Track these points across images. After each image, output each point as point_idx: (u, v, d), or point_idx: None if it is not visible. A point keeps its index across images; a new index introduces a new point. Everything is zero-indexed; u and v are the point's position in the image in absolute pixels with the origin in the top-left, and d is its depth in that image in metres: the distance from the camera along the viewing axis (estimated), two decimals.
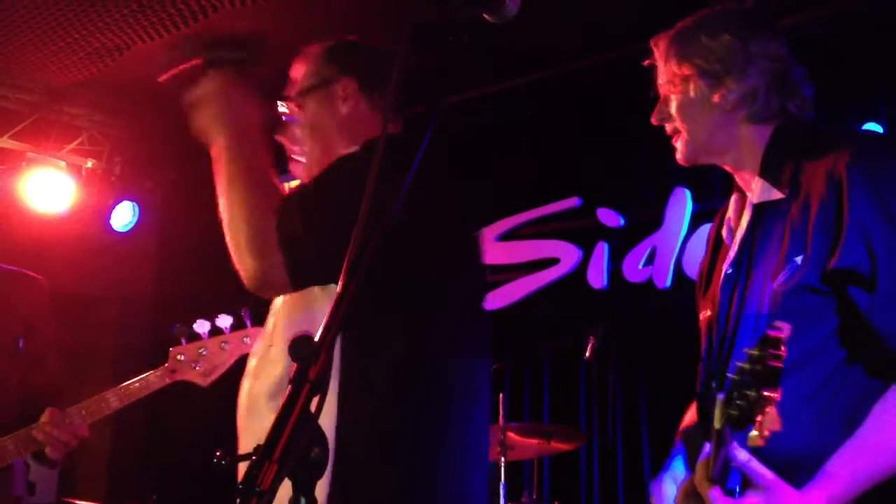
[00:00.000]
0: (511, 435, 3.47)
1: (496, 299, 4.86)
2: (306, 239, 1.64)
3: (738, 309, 1.68)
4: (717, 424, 1.39)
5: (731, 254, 1.75)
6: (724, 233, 1.81)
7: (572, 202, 4.73)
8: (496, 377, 4.08)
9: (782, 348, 1.25)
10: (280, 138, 1.96)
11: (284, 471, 0.93)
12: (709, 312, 1.79)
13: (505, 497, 3.43)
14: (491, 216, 4.96)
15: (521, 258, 4.86)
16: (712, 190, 4.23)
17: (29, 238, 5.07)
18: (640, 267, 4.46)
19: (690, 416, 1.89)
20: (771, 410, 1.24)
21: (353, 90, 1.91)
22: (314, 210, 1.67)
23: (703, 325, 1.81)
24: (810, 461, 1.48)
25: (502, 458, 3.44)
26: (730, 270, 1.73)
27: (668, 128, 1.79)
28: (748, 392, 1.27)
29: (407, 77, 1.35)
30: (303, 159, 1.95)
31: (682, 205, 4.36)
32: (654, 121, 1.80)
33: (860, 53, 3.89)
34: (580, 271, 4.63)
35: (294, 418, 0.95)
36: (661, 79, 1.79)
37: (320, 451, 0.96)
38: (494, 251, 4.93)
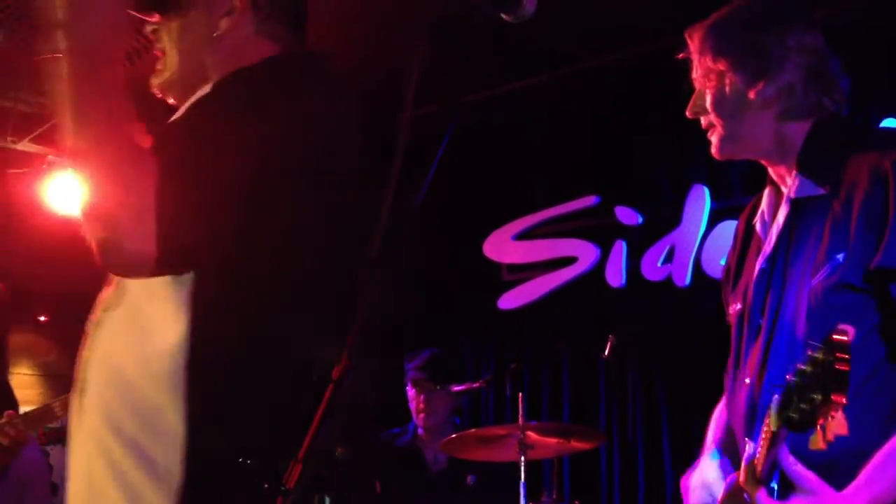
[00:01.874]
0: (530, 434, 3.46)
1: (514, 298, 4.86)
2: (192, 208, 1.29)
3: (774, 305, 1.66)
4: (773, 426, 1.37)
5: (766, 249, 1.73)
6: (758, 226, 1.79)
7: (590, 200, 4.72)
8: (515, 377, 4.08)
9: (849, 353, 1.24)
10: (149, 35, 1.56)
11: (310, 469, 0.94)
12: (739, 306, 1.76)
13: (525, 497, 3.42)
14: (508, 215, 4.96)
15: (539, 257, 4.85)
16: (731, 187, 4.22)
17: (50, 240, 5.10)
18: (658, 265, 4.45)
19: (721, 413, 1.87)
20: (838, 415, 1.22)
21: (242, 3, 1.50)
22: (201, 173, 1.31)
23: (734, 319, 1.79)
24: (851, 461, 1.47)
25: (522, 458, 3.43)
26: (764, 265, 1.71)
27: (703, 122, 1.77)
28: (812, 395, 1.25)
29: (424, 74, 1.35)
30: (164, 71, 1.55)
31: (701, 202, 4.34)
32: (688, 114, 1.79)
33: (882, 48, 3.86)
34: (598, 270, 4.63)
35: (318, 417, 0.95)
36: (696, 72, 1.77)
37: (345, 449, 0.97)
38: (512, 250, 4.94)
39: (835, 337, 1.25)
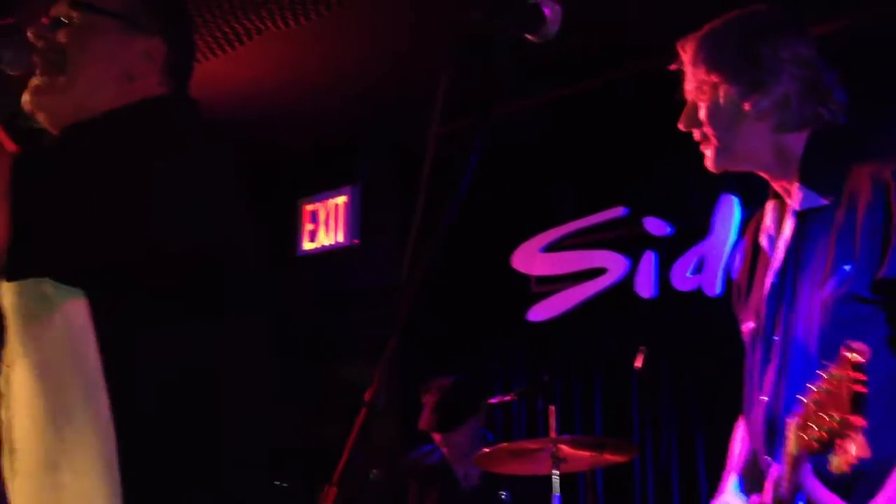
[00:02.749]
0: (563, 447, 3.45)
1: (543, 311, 4.85)
2: (47, 215, 1.30)
3: (786, 320, 1.64)
4: (792, 449, 1.36)
5: (775, 264, 1.71)
6: (764, 242, 1.78)
7: (618, 211, 4.70)
8: (546, 390, 4.07)
9: (865, 373, 1.22)
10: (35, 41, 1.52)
11: (344, 493, 0.95)
12: (753, 324, 1.75)
13: None
14: (536, 227, 4.95)
15: (568, 269, 4.84)
16: (760, 196, 4.18)
17: None
18: (688, 275, 4.42)
19: (740, 434, 1.85)
20: (858, 437, 1.21)
21: (159, 56, 1.55)
22: (69, 183, 1.33)
23: (748, 337, 1.78)
24: (871, 475, 1.45)
25: (555, 471, 3.42)
26: (775, 280, 1.70)
27: (696, 134, 1.76)
28: (828, 416, 1.24)
29: (452, 89, 1.36)
30: (46, 89, 1.52)
31: (731, 212, 4.32)
32: (681, 126, 1.78)
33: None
34: (628, 281, 4.61)
35: (352, 440, 0.96)
36: (689, 84, 1.76)
37: (379, 472, 0.97)
38: (540, 263, 4.93)
39: (849, 356, 1.23)
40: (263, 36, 4.40)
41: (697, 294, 4.36)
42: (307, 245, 5.77)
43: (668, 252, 4.50)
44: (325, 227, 5.72)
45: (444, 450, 3.97)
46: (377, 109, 5.12)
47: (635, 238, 4.60)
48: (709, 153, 1.75)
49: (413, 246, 1.15)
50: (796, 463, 1.38)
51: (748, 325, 1.77)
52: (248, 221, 1.50)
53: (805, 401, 1.29)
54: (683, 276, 4.43)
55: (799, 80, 1.67)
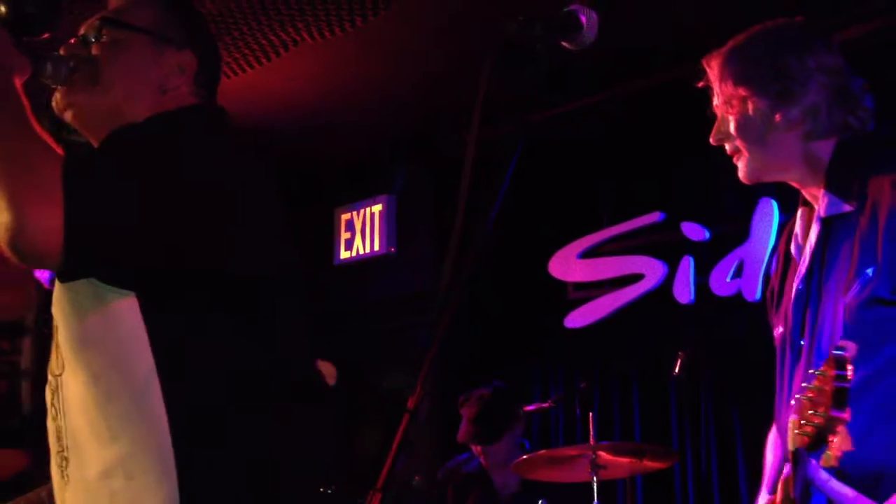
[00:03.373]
0: (602, 454, 3.44)
1: (581, 317, 4.84)
2: (102, 216, 1.32)
3: (811, 325, 1.65)
4: (790, 446, 1.38)
5: (802, 269, 1.72)
6: (793, 249, 1.79)
7: (655, 217, 4.68)
8: (585, 396, 4.06)
9: (848, 368, 1.24)
10: (69, 54, 1.55)
11: (388, 498, 0.96)
12: (781, 329, 1.76)
13: None
14: (572, 234, 4.94)
15: (605, 275, 4.82)
16: (799, 200, 4.15)
17: None
18: (727, 280, 4.39)
19: (773, 444, 1.85)
20: (842, 430, 1.23)
21: (190, 68, 1.59)
22: (121, 185, 1.34)
23: (777, 342, 1.79)
24: (892, 473, 1.45)
25: (594, 478, 3.41)
26: (801, 286, 1.71)
27: (728, 147, 1.78)
28: (818, 413, 1.26)
29: (490, 95, 1.37)
30: (81, 95, 1.55)
31: (769, 216, 4.28)
32: (712, 141, 1.80)
33: None
34: (666, 286, 4.58)
35: (395, 447, 0.97)
36: (717, 99, 1.78)
37: (421, 478, 0.98)
38: (577, 269, 4.92)
39: (835, 353, 1.25)
40: (300, 47, 4.45)
41: (737, 299, 4.32)
42: (344, 254, 5.81)
43: (706, 257, 4.47)
44: (362, 235, 5.76)
45: (482, 460, 3.97)
46: (412, 118, 5.15)
47: (672, 243, 4.58)
48: (741, 165, 1.77)
49: (454, 253, 1.15)
50: (798, 460, 1.40)
51: (778, 330, 1.78)
52: (289, 227, 1.52)
53: (800, 398, 1.31)
54: (723, 281, 4.40)
55: (827, 89, 1.68)
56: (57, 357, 1.47)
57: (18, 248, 1.30)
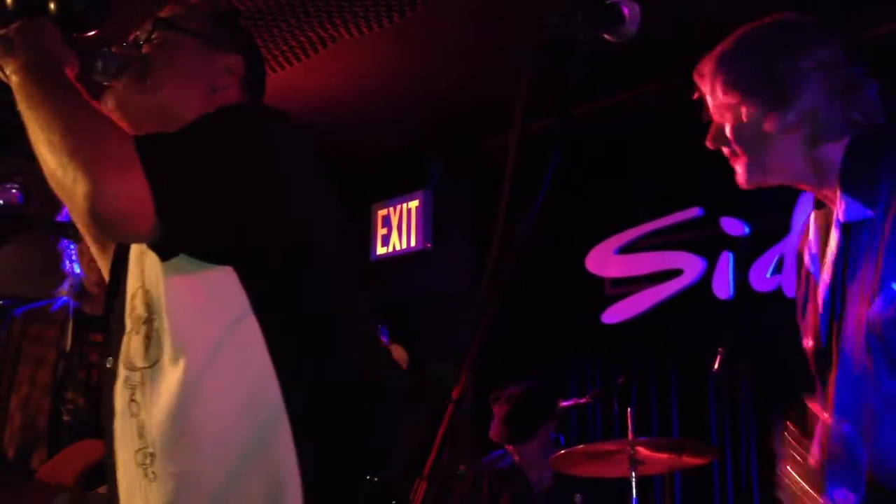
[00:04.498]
0: (641, 449, 3.43)
1: (618, 312, 4.82)
2: (188, 179, 1.30)
3: (839, 338, 1.60)
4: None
5: (826, 278, 1.66)
6: (806, 257, 1.73)
7: (694, 212, 4.65)
8: (623, 392, 4.04)
9: None
10: (120, 53, 1.59)
11: (434, 487, 0.97)
12: (812, 343, 1.71)
13: None
14: (610, 229, 4.93)
15: (643, 270, 4.80)
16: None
17: None
18: (767, 276, 4.35)
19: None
20: None
21: (239, 70, 1.63)
22: (201, 156, 1.34)
23: (810, 356, 1.73)
24: None
25: (633, 473, 3.40)
26: (826, 297, 1.64)
27: (726, 151, 1.74)
28: None
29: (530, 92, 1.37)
30: (132, 90, 1.57)
31: (811, 210, 4.23)
32: (709, 145, 1.76)
33: None
34: (704, 282, 4.55)
35: (441, 437, 0.98)
36: (711, 104, 1.74)
37: (466, 467, 0.99)
38: (615, 264, 4.90)
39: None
40: (337, 44, 4.47)
41: (777, 294, 4.28)
42: (380, 250, 5.84)
43: (746, 252, 4.44)
44: (398, 231, 5.78)
45: (516, 457, 3.97)
46: (449, 114, 5.16)
47: (711, 238, 4.55)
48: (739, 169, 1.72)
49: (496, 250, 1.16)
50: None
51: (808, 343, 1.73)
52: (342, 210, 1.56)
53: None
54: (763, 277, 4.36)
55: (825, 88, 1.61)
56: (146, 348, 1.42)
57: (101, 215, 1.26)
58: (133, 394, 1.43)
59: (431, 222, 5.69)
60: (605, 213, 4.96)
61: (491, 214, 1.24)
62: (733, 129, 1.69)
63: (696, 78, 1.76)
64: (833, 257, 1.65)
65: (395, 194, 5.81)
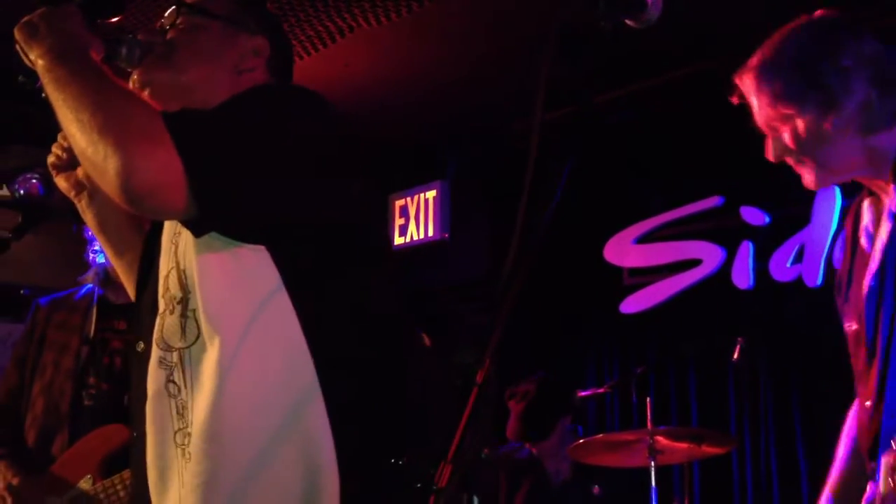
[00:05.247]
0: (660, 439, 3.42)
1: (638, 302, 4.81)
2: (219, 153, 1.31)
3: (886, 325, 1.61)
4: (882, 489, 1.35)
5: (873, 265, 1.68)
6: (863, 240, 1.74)
7: (714, 201, 4.63)
8: (642, 381, 4.04)
9: None
10: (145, 39, 1.59)
11: (459, 470, 0.97)
12: (855, 326, 1.72)
13: (656, 502, 3.38)
14: (629, 218, 4.91)
15: (662, 260, 4.79)
16: (864, 189, 4.07)
17: None
18: (788, 266, 4.32)
19: (847, 433, 1.82)
20: None
21: (265, 52, 1.63)
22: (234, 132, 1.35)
23: (851, 339, 1.74)
24: None
25: (652, 463, 3.40)
26: (873, 283, 1.66)
27: (791, 160, 1.74)
28: None
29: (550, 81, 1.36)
30: (158, 71, 1.57)
31: (831, 200, 4.20)
32: (772, 159, 1.76)
33: None
34: (724, 272, 4.53)
35: (465, 420, 0.99)
36: (760, 118, 1.74)
37: (490, 451, 1.00)
38: (633, 254, 4.89)
39: None
40: (355, 33, 4.47)
41: (797, 284, 4.26)
42: (398, 240, 5.85)
43: (766, 242, 4.41)
44: (416, 221, 5.78)
45: (534, 450, 3.97)
46: (466, 104, 5.15)
47: (731, 228, 4.53)
48: (808, 176, 1.73)
49: (517, 240, 1.16)
50: (886, 501, 1.37)
51: (851, 326, 1.74)
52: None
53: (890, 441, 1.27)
54: (783, 267, 4.34)
55: (871, 80, 1.63)
56: (182, 328, 1.42)
57: (133, 189, 1.26)
58: (171, 374, 1.44)
59: (449, 212, 5.69)
60: (624, 203, 4.94)
61: (508, 204, 1.24)
62: (793, 139, 1.70)
63: (737, 83, 1.78)
64: (883, 245, 1.67)
65: (413, 184, 5.82)
